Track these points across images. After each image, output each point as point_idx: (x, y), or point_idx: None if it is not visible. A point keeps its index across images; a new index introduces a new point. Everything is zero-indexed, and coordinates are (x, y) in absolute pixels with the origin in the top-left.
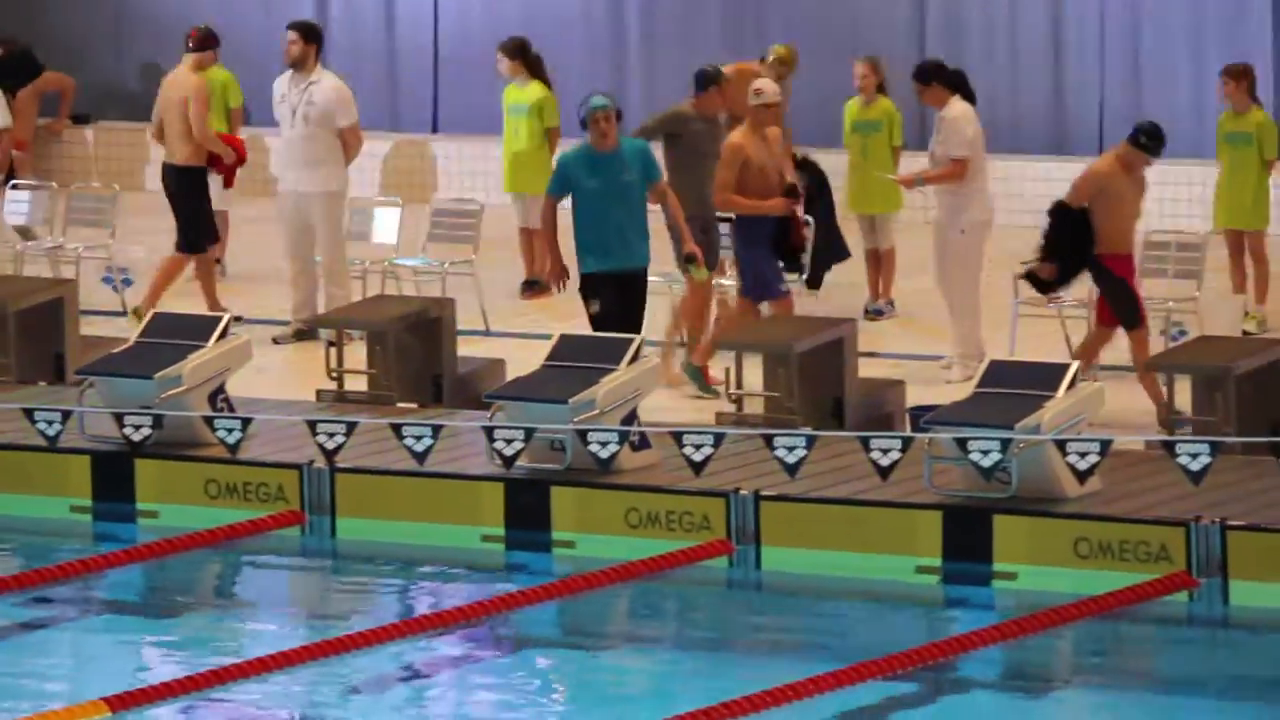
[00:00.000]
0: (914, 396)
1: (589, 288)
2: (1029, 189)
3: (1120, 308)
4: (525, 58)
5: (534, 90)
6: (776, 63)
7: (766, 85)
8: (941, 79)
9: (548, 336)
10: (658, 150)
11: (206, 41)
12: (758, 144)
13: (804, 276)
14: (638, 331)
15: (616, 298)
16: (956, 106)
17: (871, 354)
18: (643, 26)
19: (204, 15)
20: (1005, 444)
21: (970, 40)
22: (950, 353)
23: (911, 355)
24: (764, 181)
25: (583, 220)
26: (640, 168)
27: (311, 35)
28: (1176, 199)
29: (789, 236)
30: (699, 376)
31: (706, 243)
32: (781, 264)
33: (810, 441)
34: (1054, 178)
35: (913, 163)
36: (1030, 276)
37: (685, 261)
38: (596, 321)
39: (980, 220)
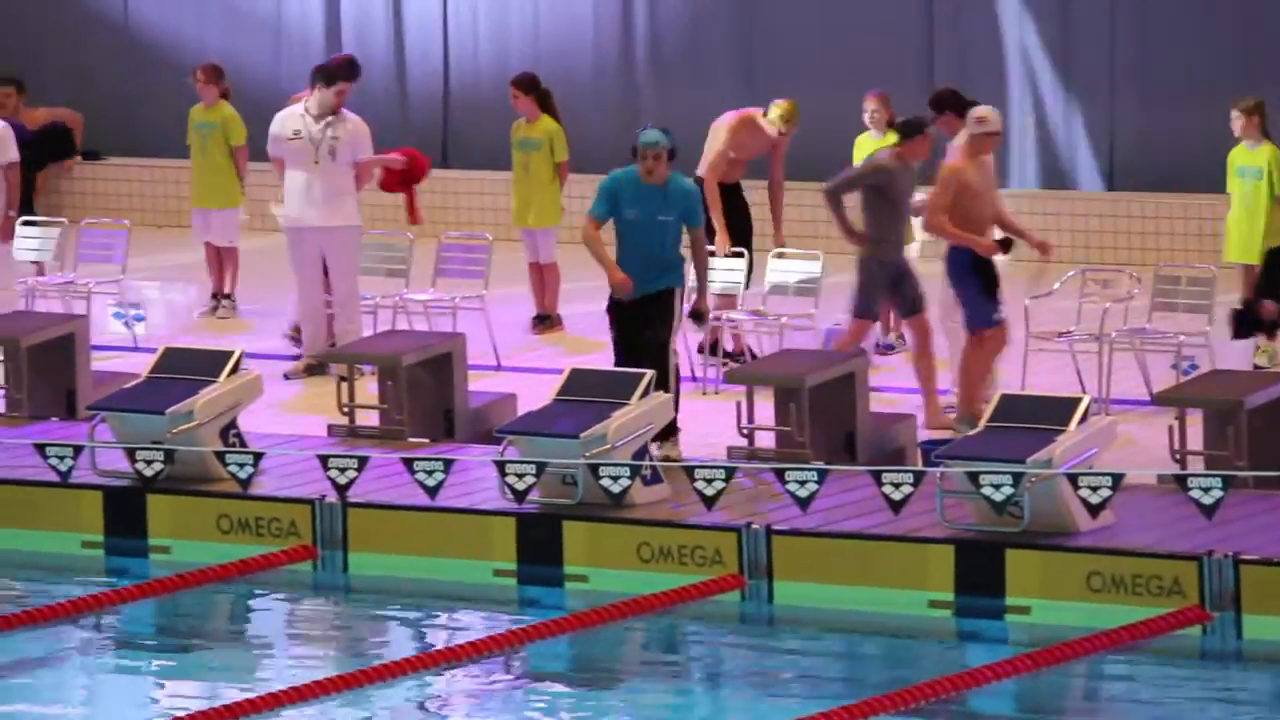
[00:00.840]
0: (925, 431)
1: (610, 312)
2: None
3: None
4: (537, 92)
5: (544, 125)
6: (779, 118)
7: (990, 113)
8: (953, 107)
9: (559, 371)
10: (854, 200)
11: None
12: (976, 170)
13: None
14: (662, 348)
15: (633, 322)
16: (962, 136)
17: (879, 389)
18: (652, 60)
19: (216, 52)
20: (1017, 478)
21: (976, 73)
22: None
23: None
24: (981, 209)
25: (616, 244)
26: (681, 210)
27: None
28: (1188, 233)
29: None
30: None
31: (910, 285)
32: None
33: (822, 476)
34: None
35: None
36: (1243, 315)
37: (694, 318)
38: (615, 349)
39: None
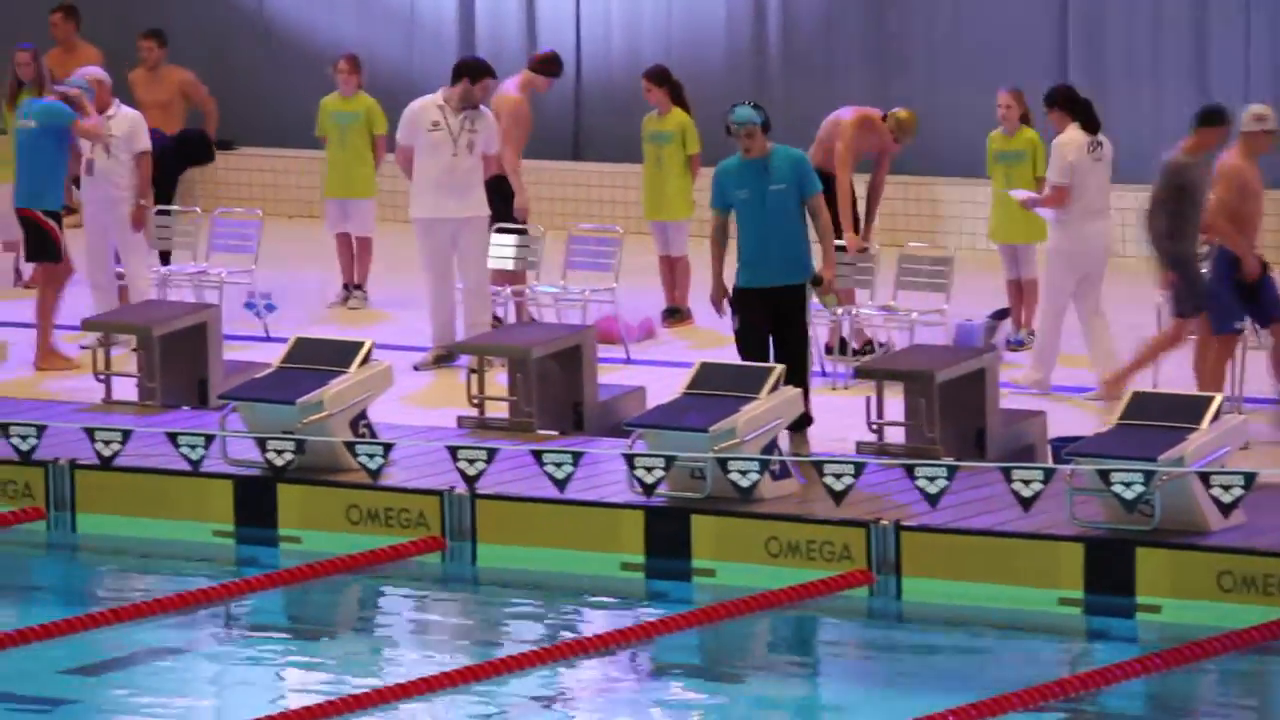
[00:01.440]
0: (1055, 427)
1: (735, 302)
2: None
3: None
4: (669, 85)
5: (675, 117)
6: (896, 126)
7: (1268, 111)
8: (1063, 105)
9: (688, 364)
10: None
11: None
12: (1253, 169)
13: None
14: (799, 349)
15: (762, 316)
16: (1066, 134)
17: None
18: (784, 51)
19: (349, 43)
20: (1148, 476)
21: (1111, 71)
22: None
23: (1054, 387)
24: (1255, 209)
25: (738, 231)
26: (792, 178)
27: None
28: None
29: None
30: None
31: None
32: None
33: (952, 472)
34: None
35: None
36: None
37: (813, 283)
38: (738, 338)
39: (1064, 249)
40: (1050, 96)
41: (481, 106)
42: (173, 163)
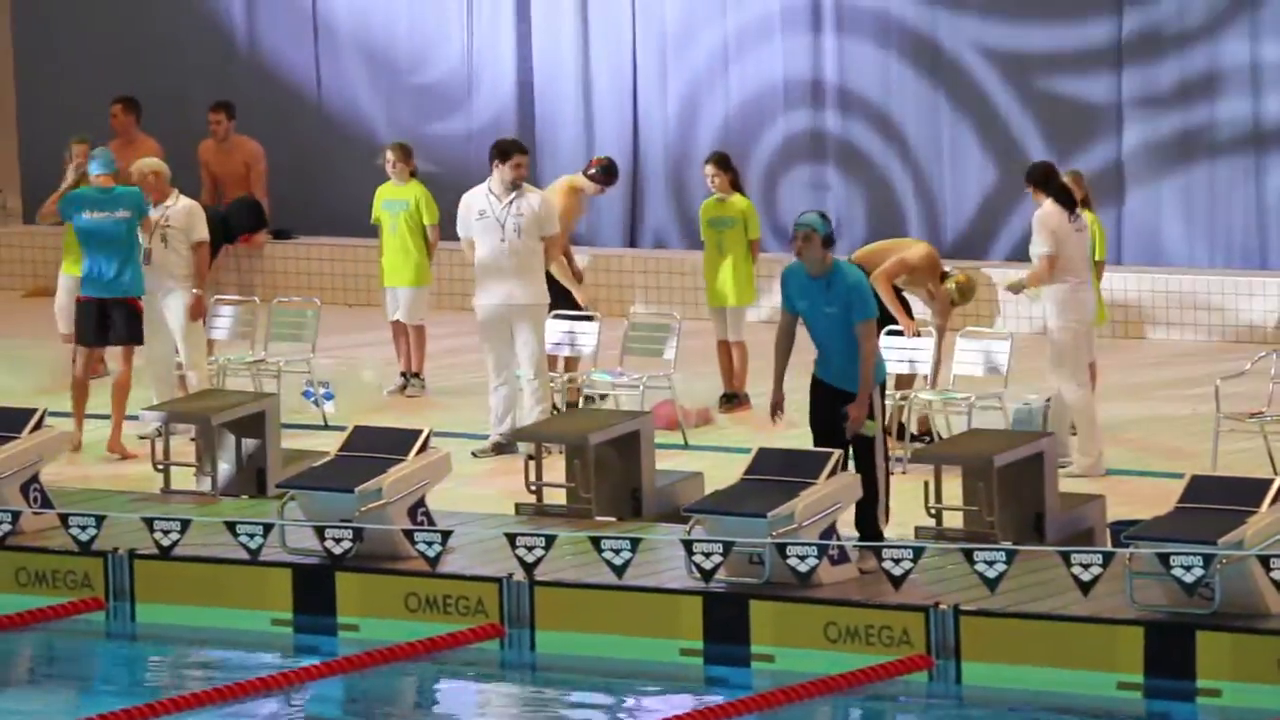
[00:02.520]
0: (1114, 510)
1: (813, 396)
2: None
3: None
4: (731, 170)
5: (737, 203)
6: (955, 290)
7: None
8: (1036, 182)
9: (746, 450)
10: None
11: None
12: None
13: None
14: (867, 446)
15: (830, 404)
16: (1045, 207)
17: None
18: (841, 139)
19: (408, 132)
20: (1208, 560)
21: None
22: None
23: (1116, 471)
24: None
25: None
26: (843, 304)
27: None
28: None
29: None
30: None
31: None
32: None
33: (1011, 556)
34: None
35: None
36: None
37: (840, 418)
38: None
39: (1072, 324)
40: (1029, 175)
41: (530, 189)
42: (224, 234)
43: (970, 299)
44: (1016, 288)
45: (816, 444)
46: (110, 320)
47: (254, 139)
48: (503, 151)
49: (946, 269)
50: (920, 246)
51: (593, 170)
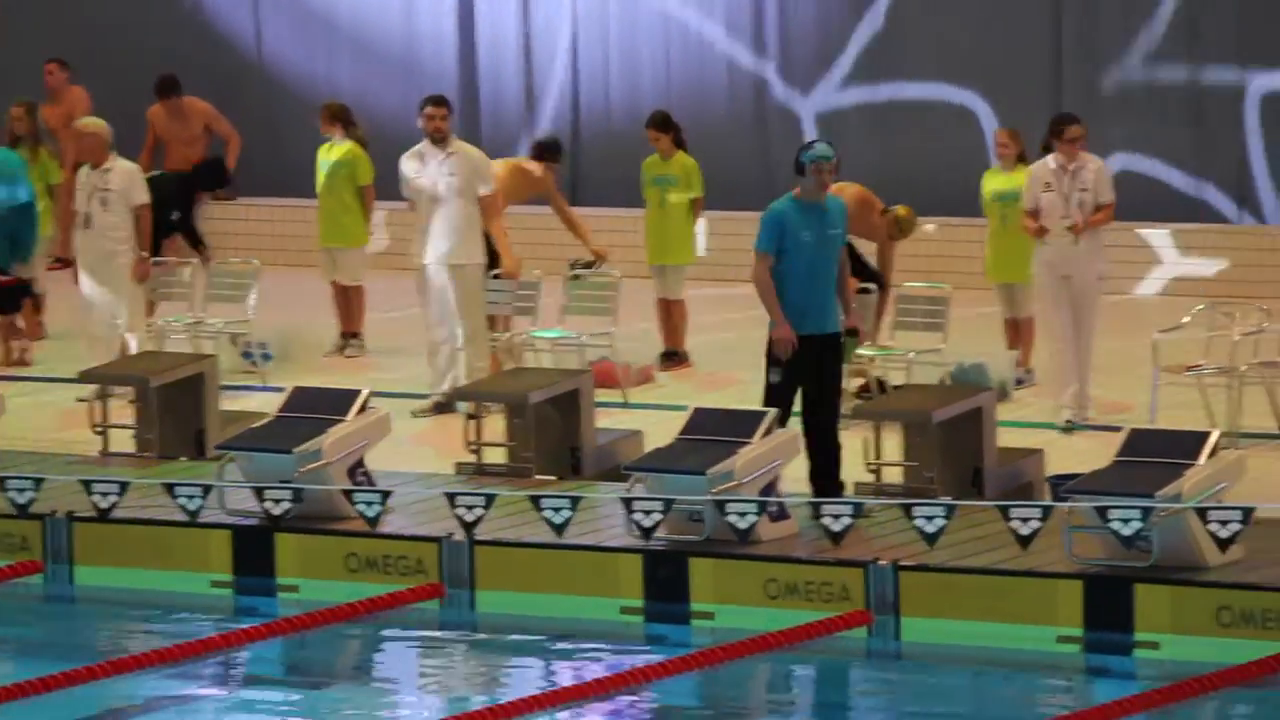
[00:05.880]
0: (1053, 464)
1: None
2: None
3: None
4: (673, 129)
5: (680, 161)
6: (894, 223)
7: None
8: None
9: (686, 408)
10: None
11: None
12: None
13: None
14: (837, 400)
15: (807, 364)
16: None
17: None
18: (784, 94)
19: (346, 94)
20: (1146, 512)
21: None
22: (1073, 405)
23: (1050, 424)
24: None
25: (788, 277)
26: (844, 224)
27: (450, 107)
28: None
29: None
30: None
31: None
32: None
33: (949, 511)
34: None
35: None
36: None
37: (849, 334)
38: (774, 391)
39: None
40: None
41: (465, 147)
42: (187, 194)
43: (911, 232)
44: (1082, 229)
45: (806, 401)
46: None
47: (200, 99)
48: (420, 106)
49: (883, 206)
50: (852, 187)
51: (536, 149)
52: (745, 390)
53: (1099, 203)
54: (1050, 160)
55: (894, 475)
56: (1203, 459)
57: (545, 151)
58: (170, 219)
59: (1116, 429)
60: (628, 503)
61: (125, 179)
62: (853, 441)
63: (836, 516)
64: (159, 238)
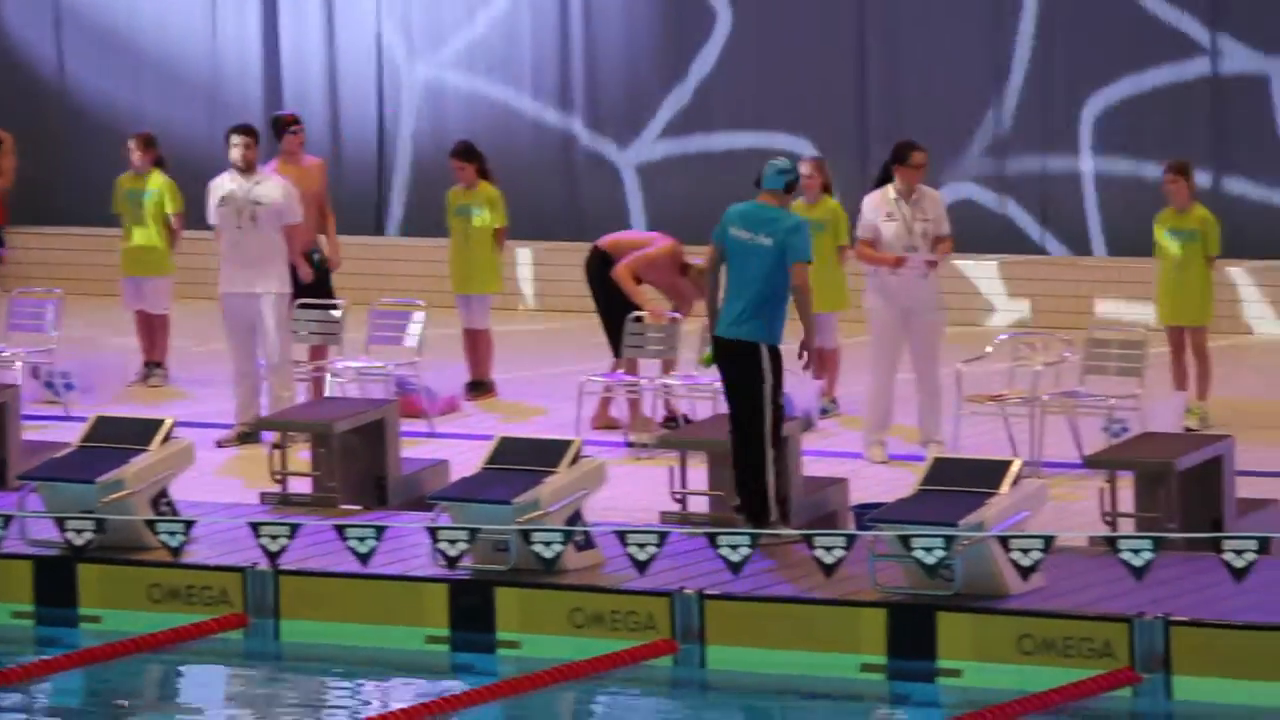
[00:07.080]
0: (857, 494)
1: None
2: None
3: None
4: (476, 159)
5: (484, 191)
6: (697, 278)
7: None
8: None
9: (491, 437)
10: None
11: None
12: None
13: None
14: (753, 404)
15: (726, 369)
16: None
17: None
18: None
19: (150, 121)
20: (949, 541)
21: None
22: (930, 437)
23: (855, 454)
24: None
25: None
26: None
27: (258, 136)
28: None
29: None
30: None
31: None
32: None
33: (755, 540)
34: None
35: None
36: None
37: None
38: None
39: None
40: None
41: (267, 172)
42: None
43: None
44: (936, 264)
45: (731, 404)
46: None
47: None
48: (227, 136)
49: (688, 261)
50: (666, 243)
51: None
52: (551, 420)
53: (939, 234)
54: (890, 189)
55: (700, 505)
56: (1005, 488)
57: (274, 123)
58: None
59: (920, 459)
60: (433, 532)
61: None
62: (660, 471)
63: (642, 545)
64: None
